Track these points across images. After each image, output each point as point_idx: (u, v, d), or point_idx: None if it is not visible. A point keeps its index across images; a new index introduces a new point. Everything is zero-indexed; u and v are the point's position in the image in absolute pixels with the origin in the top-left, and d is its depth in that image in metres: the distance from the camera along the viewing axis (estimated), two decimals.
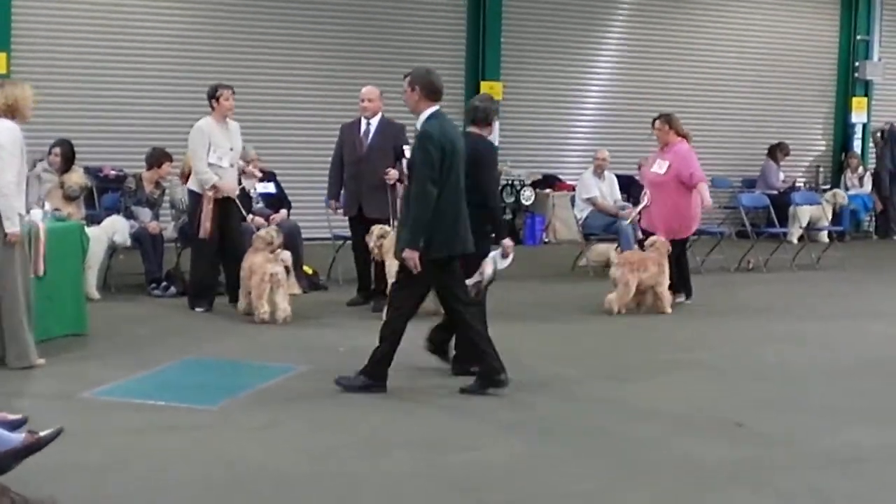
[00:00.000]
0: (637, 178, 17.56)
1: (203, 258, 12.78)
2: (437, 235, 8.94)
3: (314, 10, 19.83)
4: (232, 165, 12.90)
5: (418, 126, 9.19)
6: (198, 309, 12.69)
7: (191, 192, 13.01)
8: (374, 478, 7.04)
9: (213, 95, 12.79)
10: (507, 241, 10.03)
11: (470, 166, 9.38)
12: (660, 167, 13.86)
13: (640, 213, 14.33)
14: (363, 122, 13.32)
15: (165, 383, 9.42)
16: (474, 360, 9.34)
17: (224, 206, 12.74)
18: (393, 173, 13.05)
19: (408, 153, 13.17)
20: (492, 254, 9.81)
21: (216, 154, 12.68)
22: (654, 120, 14.27)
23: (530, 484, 6.99)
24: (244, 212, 12.88)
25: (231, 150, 12.84)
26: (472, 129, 10.07)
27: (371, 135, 13.26)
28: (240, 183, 13.37)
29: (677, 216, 13.80)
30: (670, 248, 13.33)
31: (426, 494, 6.76)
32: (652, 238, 13.44)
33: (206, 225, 12.54)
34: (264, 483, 6.91)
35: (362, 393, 8.97)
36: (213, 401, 8.76)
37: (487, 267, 9.68)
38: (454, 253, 9.14)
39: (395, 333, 9.14)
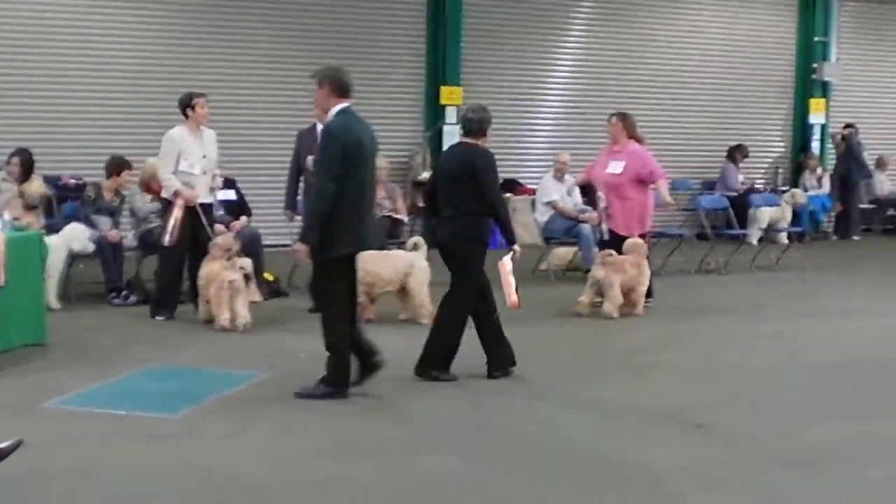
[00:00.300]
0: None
1: (169, 266, 12.73)
2: (340, 232, 8.98)
3: (273, 16, 19.80)
4: (205, 173, 12.87)
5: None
6: (158, 317, 12.64)
7: (163, 199, 12.99)
8: (341, 483, 7.03)
9: (187, 104, 12.79)
10: (517, 246, 10.19)
11: (469, 178, 9.72)
12: (615, 168, 13.90)
13: (602, 216, 14.31)
14: (318, 128, 13.25)
15: (127, 392, 9.37)
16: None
17: (195, 214, 12.71)
18: None
19: None
20: (505, 258, 9.99)
21: (187, 162, 12.67)
22: (611, 116, 14.32)
23: (495, 488, 7.00)
24: (206, 223, 12.75)
25: (204, 157, 12.82)
26: (466, 139, 10.11)
27: None
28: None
29: (636, 215, 13.90)
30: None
31: (392, 500, 6.76)
32: (630, 240, 13.47)
33: (173, 233, 12.51)
34: (233, 490, 6.90)
35: (325, 400, 8.96)
36: (176, 409, 8.73)
37: (506, 271, 9.99)
38: (357, 250, 9.26)
39: (341, 338, 9.14)
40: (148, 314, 12.75)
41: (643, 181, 13.81)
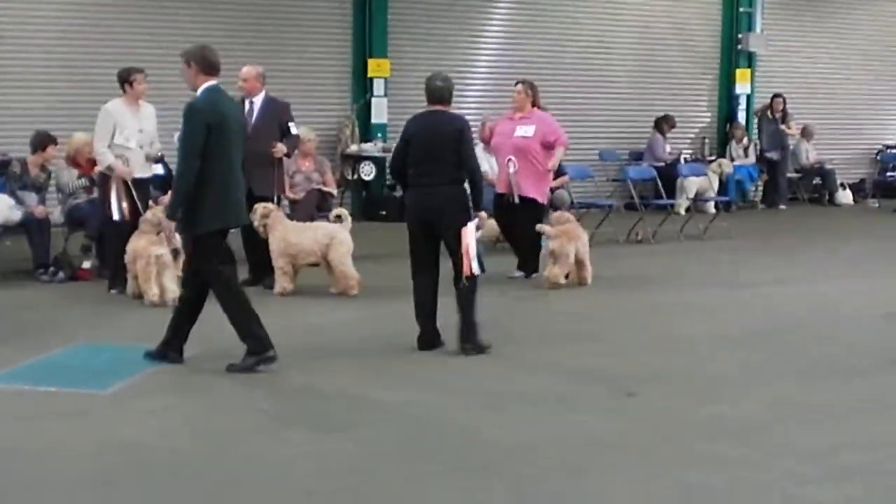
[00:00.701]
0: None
1: (119, 239, 12.55)
2: (206, 209, 9.03)
3: None
4: (141, 147, 12.73)
5: None
6: (114, 291, 12.61)
7: (100, 173, 12.91)
8: (269, 458, 7.04)
9: (125, 79, 12.74)
10: (482, 213, 10.40)
11: (453, 144, 9.81)
12: (525, 131, 13.95)
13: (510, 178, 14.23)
14: (246, 102, 13.21)
15: (54, 369, 9.30)
16: (244, 337, 9.29)
17: (134, 188, 12.64)
18: (280, 147, 13.06)
19: (293, 130, 13.24)
20: (470, 224, 9.91)
21: (122, 135, 12.57)
22: (518, 83, 14.37)
23: (421, 460, 7.04)
24: (137, 199, 12.67)
25: (140, 131, 12.72)
26: (438, 107, 10.08)
27: (255, 114, 13.21)
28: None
29: (546, 180, 14.14)
30: None
31: (321, 474, 6.78)
32: (557, 214, 13.55)
33: (121, 206, 12.45)
34: (160, 465, 6.88)
35: (260, 369, 9.02)
36: (104, 385, 8.69)
37: (472, 239, 9.90)
38: (225, 226, 9.32)
39: (242, 306, 9.25)
40: (77, 290, 12.68)
41: (547, 147, 13.89)
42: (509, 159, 13.95)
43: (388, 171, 9.82)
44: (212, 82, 9.24)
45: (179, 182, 9.03)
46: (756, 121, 25.22)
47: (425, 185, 9.89)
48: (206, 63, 9.31)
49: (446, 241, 9.93)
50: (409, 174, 10.06)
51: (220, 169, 9.05)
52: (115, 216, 12.50)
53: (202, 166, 8.92)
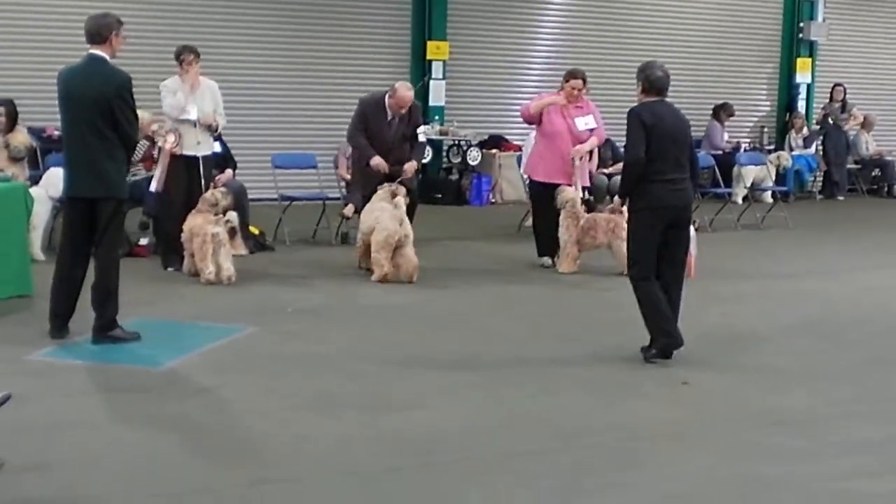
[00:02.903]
0: None
1: (169, 218, 12.66)
2: (65, 176, 9.40)
3: None
4: (195, 126, 12.75)
5: None
6: (170, 268, 12.72)
7: (159, 149, 13.09)
8: (321, 438, 7.05)
9: (177, 58, 12.87)
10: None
11: (686, 138, 9.37)
12: (587, 122, 13.84)
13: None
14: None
15: (111, 345, 9.34)
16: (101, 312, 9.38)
17: (187, 166, 12.75)
18: (409, 168, 13.61)
19: (421, 137, 13.91)
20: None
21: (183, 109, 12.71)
22: (573, 77, 13.94)
23: (477, 445, 7.03)
24: (202, 177, 12.76)
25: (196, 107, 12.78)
26: (661, 98, 9.36)
27: (394, 128, 13.62)
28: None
29: (569, 168, 13.83)
30: None
31: (373, 454, 6.78)
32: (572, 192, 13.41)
33: (160, 177, 12.52)
34: (212, 444, 6.91)
35: (129, 341, 9.30)
36: (159, 362, 8.75)
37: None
38: (67, 195, 9.43)
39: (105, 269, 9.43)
40: (134, 266, 12.74)
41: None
42: (574, 158, 13.76)
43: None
44: (93, 51, 9.32)
45: None
46: (816, 124, 24.97)
47: (671, 181, 9.10)
48: (87, 33, 9.39)
49: (676, 240, 9.25)
50: (646, 168, 9.05)
51: (65, 140, 9.47)
52: (153, 186, 12.61)
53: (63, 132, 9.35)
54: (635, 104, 9.27)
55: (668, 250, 9.17)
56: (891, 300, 12.38)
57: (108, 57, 9.29)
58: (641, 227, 9.16)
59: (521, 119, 14.81)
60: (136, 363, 8.74)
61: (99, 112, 9.13)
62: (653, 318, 9.20)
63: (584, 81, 13.98)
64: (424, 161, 20.52)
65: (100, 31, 9.26)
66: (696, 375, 8.78)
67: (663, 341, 9.17)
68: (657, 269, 9.18)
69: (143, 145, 13.88)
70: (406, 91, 13.44)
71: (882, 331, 10.76)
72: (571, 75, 13.97)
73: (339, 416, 7.54)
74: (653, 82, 9.25)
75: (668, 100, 9.35)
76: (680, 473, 6.65)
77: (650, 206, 9.07)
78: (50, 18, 17.93)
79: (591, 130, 13.85)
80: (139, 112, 13.98)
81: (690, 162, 9.32)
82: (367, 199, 13.05)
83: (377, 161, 13.18)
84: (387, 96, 13.38)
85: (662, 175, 9.03)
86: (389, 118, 13.28)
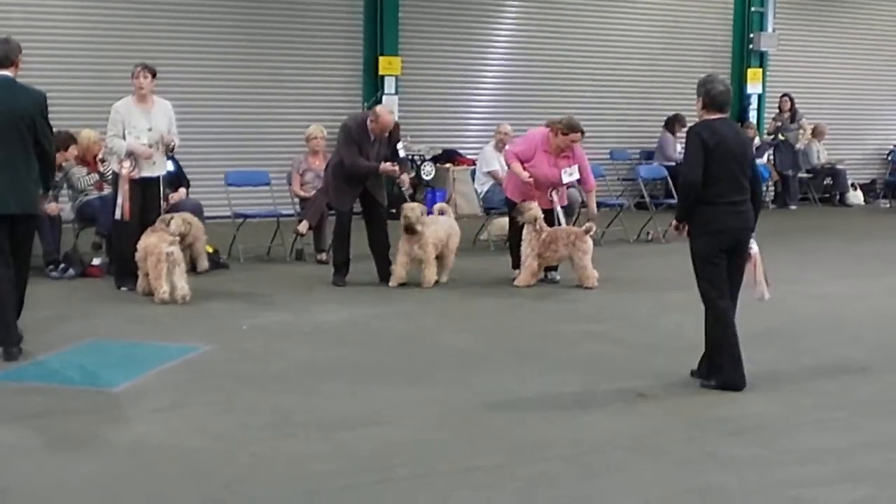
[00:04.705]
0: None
1: (124, 238, 12.56)
2: None
3: None
4: (150, 146, 12.61)
5: None
6: (123, 288, 12.61)
7: (113, 172, 12.95)
8: (278, 457, 7.02)
9: (131, 74, 12.76)
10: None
11: (747, 158, 8.93)
12: (572, 174, 13.67)
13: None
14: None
15: (65, 366, 9.29)
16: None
17: (143, 187, 12.61)
18: (404, 178, 13.93)
19: (401, 153, 13.93)
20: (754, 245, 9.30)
21: (132, 135, 12.53)
22: (573, 131, 13.52)
23: (435, 460, 7.02)
24: (145, 198, 12.67)
25: (150, 129, 12.63)
26: (721, 115, 8.94)
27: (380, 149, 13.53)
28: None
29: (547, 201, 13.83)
30: None
31: (332, 472, 6.76)
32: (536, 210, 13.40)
33: (124, 206, 12.43)
34: (169, 464, 6.86)
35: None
36: (115, 383, 8.69)
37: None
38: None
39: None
40: (87, 287, 12.67)
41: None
42: (552, 191, 13.76)
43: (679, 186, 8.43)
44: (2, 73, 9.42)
45: None
46: (768, 134, 25.13)
47: (732, 203, 8.79)
48: None
49: (733, 266, 9.00)
50: (707, 190, 8.71)
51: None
52: (116, 215, 12.50)
53: None
54: (695, 121, 8.90)
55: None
56: (846, 309, 12.46)
57: (14, 78, 9.53)
58: (703, 252, 8.86)
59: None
60: (90, 384, 8.68)
61: (25, 128, 9.30)
62: (722, 345, 8.83)
63: (582, 132, 13.63)
64: (428, 178, 20.65)
65: (7, 54, 9.46)
66: (651, 387, 8.79)
67: (730, 374, 8.76)
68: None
69: (88, 175, 13.88)
70: (388, 115, 13.41)
71: (839, 340, 10.82)
72: (570, 128, 13.53)
73: (295, 435, 7.51)
74: (714, 97, 8.80)
75: (729, 117, 9.00)
76: (638, 485, 6.66)
77: (710, 230, 8.78)
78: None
79: (573, 181, 13.82)
80: (85, 132, 14.06)
81: (751, 181, 8.92)
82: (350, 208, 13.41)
83: (385, 166, 13.20)
84: (368, 120, 13.32)
85: (723, 197, 8.71)
86: (372, 139, 13.25)
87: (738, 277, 9.03)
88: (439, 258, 13.39)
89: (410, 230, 12.92)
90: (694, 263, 8.99)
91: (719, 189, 8.66)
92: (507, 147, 14.71)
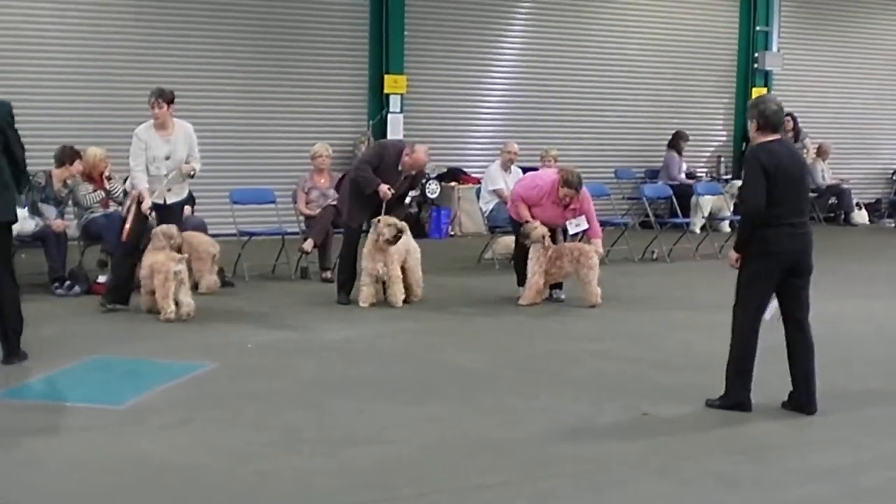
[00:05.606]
0: None
1: (125, 258, 12.55)
2: None
3: (218, 7, 19.69)
4: (167, 175, 12.50)
5: None
6: (107, 305, 12.54)
7: (124, 191, 12.99)
8: (283, 474, 7.02)
9: (149, 102, 12.58)
10: None
11: (804, 180, 8.78)
12: (577, 226, 13.60)
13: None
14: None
15: (71, 383, 9.31)
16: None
17: (157, 212, 12.58)
18: (384, 190, 13.30)
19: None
20: None
21: (153, 164, 12.46)
22: (567, 186, 13.32)
23: (440, 478, 7.02)
24: (155, 222, 12.65)
25: (167, 158, 12.51)
26: (777, 136, 8.70)
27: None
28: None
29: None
30: None
31: (338, 489, 6.76)
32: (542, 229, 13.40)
33: (126, 227, 12.41)
34: (175, 481, 6.87)
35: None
36: (120, 400, 8.69)
37: None
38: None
39: None
40: (93, 304, 12.67)
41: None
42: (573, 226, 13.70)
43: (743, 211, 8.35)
44: None
45: None
46: None
47: (791, 224, 8.53)
48: None
49: (796, 293, 8.77)
50: (766, 213, 8.45)
51: None
52: (123, 237, 12.51)
53: None
54: (753, 145, 8.67)
55: (787, 306, 8.75)
56: (852, 328, 12.43)
57: None
58: (756, 274, 8.63)
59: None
60: (96, 401, 8.68)
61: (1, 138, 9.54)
62: (738, 367, 8.80)
63: (578, 189, 13.36)
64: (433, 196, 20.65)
65: None
66: (656, 405, 8.79)
67: (738, 396, 8.70)
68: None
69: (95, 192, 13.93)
70: (424, 156, 13.27)
71: (844, 359, 10.79)
72: (566, 183, 13.32)
73: (300, 452, 7.51)
74: (768, 118, 8.55)
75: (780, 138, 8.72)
76: (639, 502, 6.65)
77: (768, 251, 8.52)
78: (13, 57, 17.87)
79: (578, 231, 13.78)
80: (91, 149, 14.08)
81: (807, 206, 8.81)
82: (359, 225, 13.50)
83: (382, 187, 13.07)
84: (404, 152, 13.23)
85: (782, 219, 8.47)
86: (400, 170, 13.19)
87: (800, 301, 8.78)
88: (404, 277, 13.22)
89: (397, 239, 12.87)
90: (738, 287, 8.80)
91: (778, 212, 8.43)
92: (514, 187, 14.55)
